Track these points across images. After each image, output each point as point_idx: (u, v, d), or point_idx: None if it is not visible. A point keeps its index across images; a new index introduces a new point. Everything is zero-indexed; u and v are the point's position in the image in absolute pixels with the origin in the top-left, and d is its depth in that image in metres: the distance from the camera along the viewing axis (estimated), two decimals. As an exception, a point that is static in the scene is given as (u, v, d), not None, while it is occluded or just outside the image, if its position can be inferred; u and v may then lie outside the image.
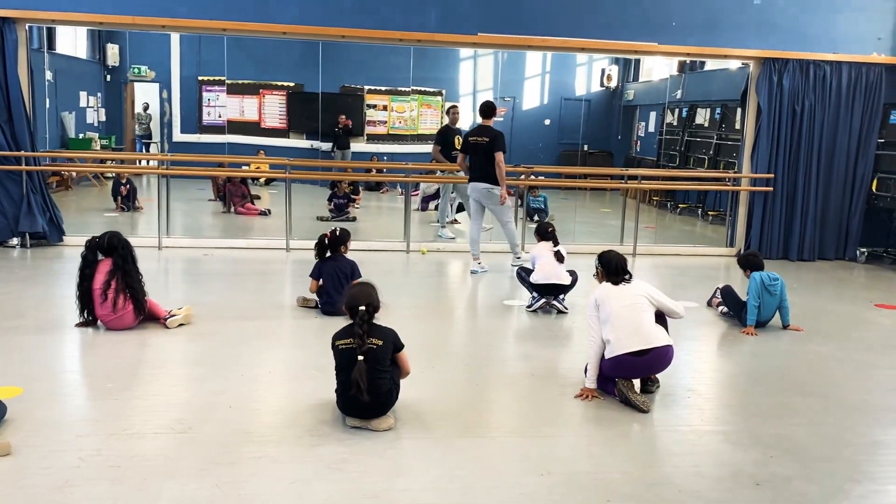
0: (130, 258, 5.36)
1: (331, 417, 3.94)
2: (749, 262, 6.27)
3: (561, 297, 6.43)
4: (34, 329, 5.38)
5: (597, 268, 4.70)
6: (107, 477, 3.23)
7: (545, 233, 6.62)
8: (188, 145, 15.06)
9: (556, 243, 6.53)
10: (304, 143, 15.78)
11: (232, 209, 11.64)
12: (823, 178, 9.35)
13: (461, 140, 9.71)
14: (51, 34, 12.12)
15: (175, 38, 14.95)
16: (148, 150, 15.64)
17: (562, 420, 4.12)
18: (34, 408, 3.91)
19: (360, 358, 3.72)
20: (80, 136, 14.18)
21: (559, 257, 6.39)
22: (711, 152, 13.39)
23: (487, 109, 7.80)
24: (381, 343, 3.81)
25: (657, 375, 4.60)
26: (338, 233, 6.14)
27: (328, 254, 6.07)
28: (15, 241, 8.25)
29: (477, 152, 7.62)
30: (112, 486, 3.16)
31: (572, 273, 6.47)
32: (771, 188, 9.26)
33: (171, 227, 9.33)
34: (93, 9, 8.08)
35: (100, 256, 5.35)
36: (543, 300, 6.39)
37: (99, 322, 5.37)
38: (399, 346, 3.93)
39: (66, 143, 13.50)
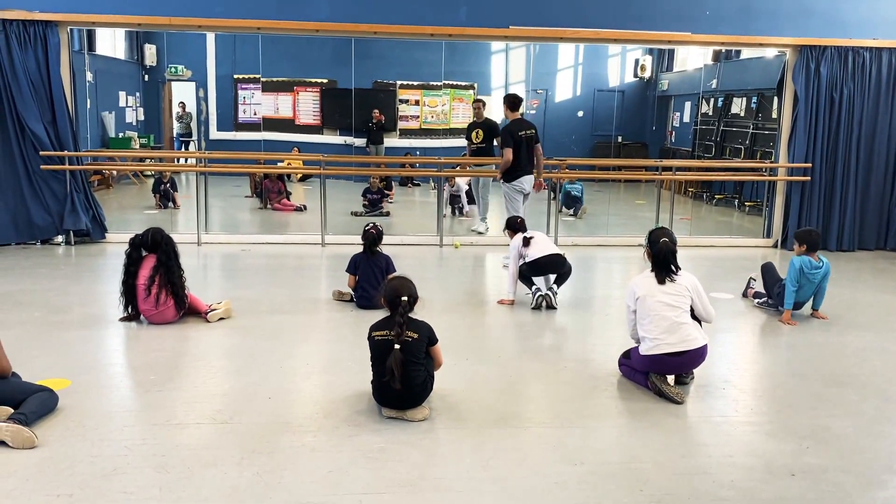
0: (173, 254, 5.48)
1: (366, 408, 4.02)
2: (801, 237, 6.10)
3: (555, 287, 6.28)
4: (80, 323, 5.55)
5: (646, 248, 4.57)
6: (151, 465, 3.35)
7: (516, 225, 6.59)
8: (225, 143, 15.29)
9: (524, 232, 6.50)
10: (337, 139, 15.91)
11: (268, 205, 11.82)
12: (863, 166, 9.19)
13: (480, 133, 9.70)
14: (91, 36, 12.37)
15: (211, 37, 15.16)
16: (186, 148, 15.91)
17: (595, 411, 4.14)
18: (82, 399, 4.05)
19: (397, 346, 3.79)
20: (120, 135, 14.47)
21: (526, 242, 6.31)
22: (748, 142, 13.20)
23: (518, 101, 7.84)
24: (416, 336, 3.88)
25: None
26: (380, 228, 6.25)
27: (369, 248, 6.16)
28: (60, 238, 8.49)
29: (528, 145, 7.70)
30: (157, 474, 3.27)
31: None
32: (809, 178, 9.12)
33: (210, 223, 9.51)
34: (131, 10, 8.26)
35: (143, 253, 5.50)
36: (541, 295, 6.20)
37: (142, 316, 5.52)
38: (434, 340, 4.00)
39: (106, 143, 13.78)
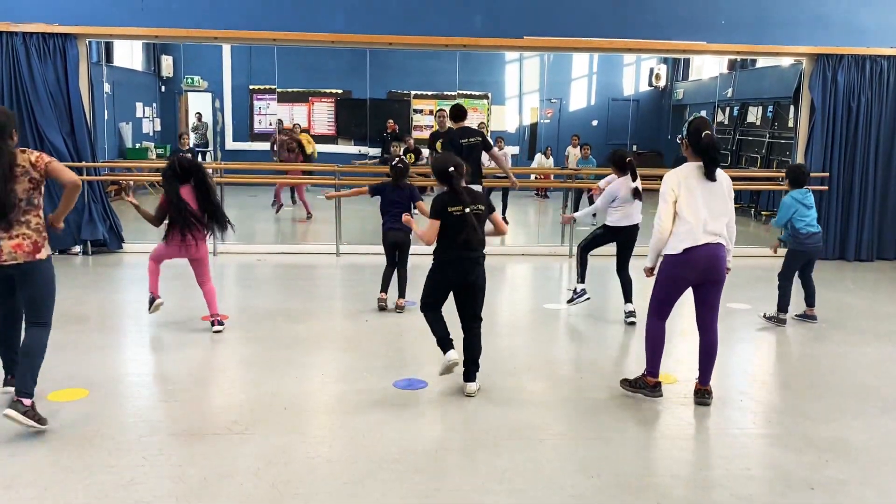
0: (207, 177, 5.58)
1: (382, 418, 4.02)
2: (792, 173, 6.15)
3: (631, 307, 6.05)
4: (97, 333, 5.58)
5: (684, 139, 4.21)
6: (168, 476, 3.36)
7: (623, 163, 5.85)
8: (240, 153, 15.40)
9: (634, 177, 5.83)
10: (352, 149, 16.00)
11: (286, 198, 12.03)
12: (881, 175, 9.12)
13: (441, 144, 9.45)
14: (108, 48, 12.51)
15: (227, 48, 15.31)
16: (203, 159, 16.01)
17: (611, 423, 4.11)
18: (99, 409, 4.07)
19: (468, 210, 4.16)
20: (137, 145, 14.61)
21: (637, 194, 5.82)
22: (764, 151, 13.14)
23: (463, 112, 7.69)
24: (482, 209, 4.25)
25: (709, 387, 4.42)
26: (407, 163, 6.39)
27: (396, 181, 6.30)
28: (77, 248, 8.57)
29: (471, 153, 7.38)
30: (174, 485, 3.28)
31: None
32: (826, 187, 9.05)
33: (225, 233, 9.53)
34: (148, 23, 8.34)
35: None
36: (587, 297, 6.21)
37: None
38: (492, 208, 4.37)
39: (123, 153, 13.91)
